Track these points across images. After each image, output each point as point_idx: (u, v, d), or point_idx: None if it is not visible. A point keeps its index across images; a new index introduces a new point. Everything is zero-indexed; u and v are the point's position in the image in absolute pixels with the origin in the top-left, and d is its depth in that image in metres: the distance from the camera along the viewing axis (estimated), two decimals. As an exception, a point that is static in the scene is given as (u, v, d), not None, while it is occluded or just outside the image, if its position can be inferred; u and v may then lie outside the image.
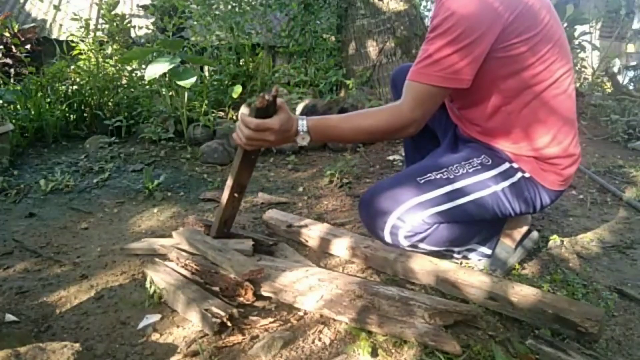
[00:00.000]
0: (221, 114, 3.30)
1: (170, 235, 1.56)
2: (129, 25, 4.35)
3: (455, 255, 1.39)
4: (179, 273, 1.29)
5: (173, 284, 1.21)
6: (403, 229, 1.22)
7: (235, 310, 1.09)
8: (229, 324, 1.07)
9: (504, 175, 1.24)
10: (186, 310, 1.14)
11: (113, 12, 4.16)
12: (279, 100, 1.16)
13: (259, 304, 1.20)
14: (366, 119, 1.24)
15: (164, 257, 1.42)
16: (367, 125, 1.23)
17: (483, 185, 1.22)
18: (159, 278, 1.25)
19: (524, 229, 1.39)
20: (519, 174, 1.25)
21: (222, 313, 1.07)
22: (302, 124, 1.20)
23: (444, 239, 1.26)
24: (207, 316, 1.06)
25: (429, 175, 1.24)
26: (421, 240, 1.25)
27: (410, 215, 1.21)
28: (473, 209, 1.23)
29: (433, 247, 1.29)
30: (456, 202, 1.22)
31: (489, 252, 1.37)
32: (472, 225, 1.28)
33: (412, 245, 1.28)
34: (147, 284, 1.25)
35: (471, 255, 1.40)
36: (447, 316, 1.04)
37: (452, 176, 1.23)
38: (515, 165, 1.25)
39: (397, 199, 1.22)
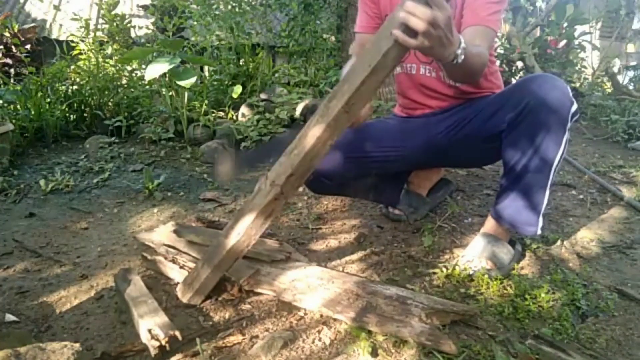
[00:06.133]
0: (221, 114, 3.30)
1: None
2: (129, 25, 4.36)
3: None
4: (146, 279, 1.26)
5: (133, 297, 1.17)
6: None
7: (177, 333, 1.02)
8: (167, 347, 1.00)
9: None
10: (138, 327, 1.09)
11: (113, 12, 4.17)
12: None
13: (258, 303, 1.20)
14: (481, 54, 1.24)
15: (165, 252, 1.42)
16: (484, 57, 1.26)
17: None
18: (123, 289, 1.21)
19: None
20: None
21: (162, 335, 1.00)
22: (459, 37, 1.05)
23: None
24: (148, 337, 1.01)
25: None
26: None
27: None
28: None
29: None
30: None
31: None
32: None
33: None
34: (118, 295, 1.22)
35: None
36: (444, 316, 1.05)
37: None
38: None
39: None
